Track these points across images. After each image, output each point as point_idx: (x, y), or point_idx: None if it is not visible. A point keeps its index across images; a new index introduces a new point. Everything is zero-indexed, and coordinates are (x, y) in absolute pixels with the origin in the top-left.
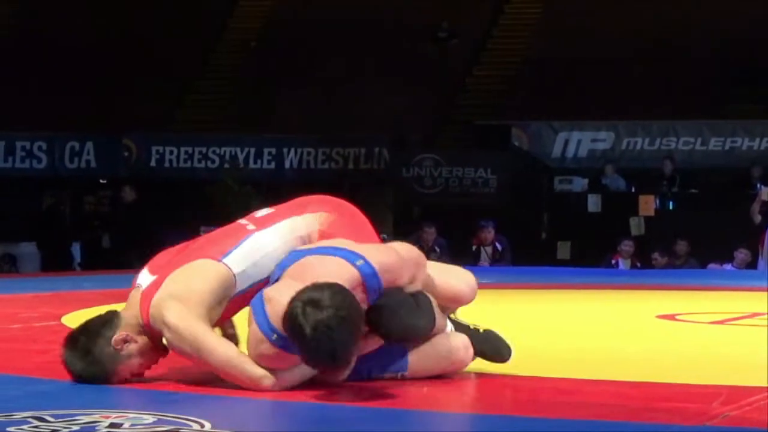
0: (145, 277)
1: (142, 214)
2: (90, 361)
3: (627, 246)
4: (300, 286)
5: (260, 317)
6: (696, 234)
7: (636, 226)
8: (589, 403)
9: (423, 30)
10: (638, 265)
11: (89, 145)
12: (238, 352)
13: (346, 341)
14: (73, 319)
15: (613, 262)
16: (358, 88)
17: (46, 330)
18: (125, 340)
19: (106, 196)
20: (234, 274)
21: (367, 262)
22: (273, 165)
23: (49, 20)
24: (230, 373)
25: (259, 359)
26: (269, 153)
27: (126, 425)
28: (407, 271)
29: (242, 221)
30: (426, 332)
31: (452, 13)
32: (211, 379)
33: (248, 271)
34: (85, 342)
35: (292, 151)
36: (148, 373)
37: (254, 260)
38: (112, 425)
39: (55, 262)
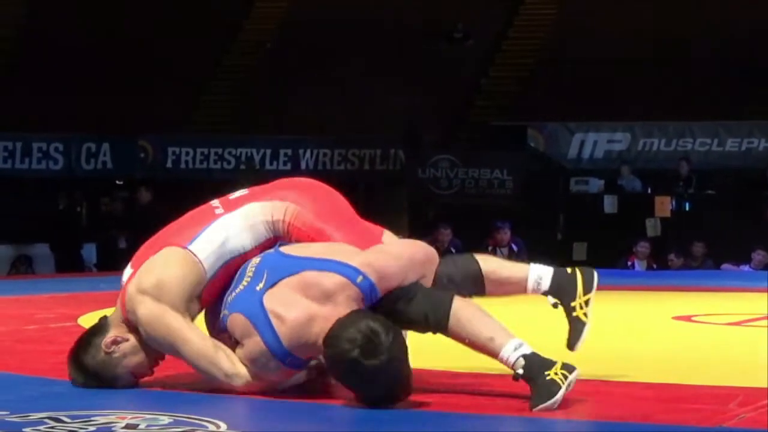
0: (126, 272)
1: (158, 215)
2: (88, 374)
3: (643, 247)
4: (305, 302)
5: (269, 335)
6: (712, 235)
7: (652, 227)
8: (605, 404)
9: (438, 31)
10: (654, 266)
11: (105, 146)
12: (214, 344)
13: (405, 383)
14: (90, 320)
15: (629, 263)
16: (374, 89)
17: (63, 331)
18: (114, 342)
19: (122, 197)
20: (200, 260)
21: (366, 279)
22: (289, 166)
23: (65, 21)
24: (202, 367)
25: (260, 373)
26: (285, 154)
27: (142, 426)
28: (412, 274)
29: (214, 203)
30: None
31: (467, 13)
32: None
33: (213, 256)
34: (80, 355)
35: (308, 152)
36: (163, 375)
37: (219, 243)
38: (128, 426)
39: (69, 264)
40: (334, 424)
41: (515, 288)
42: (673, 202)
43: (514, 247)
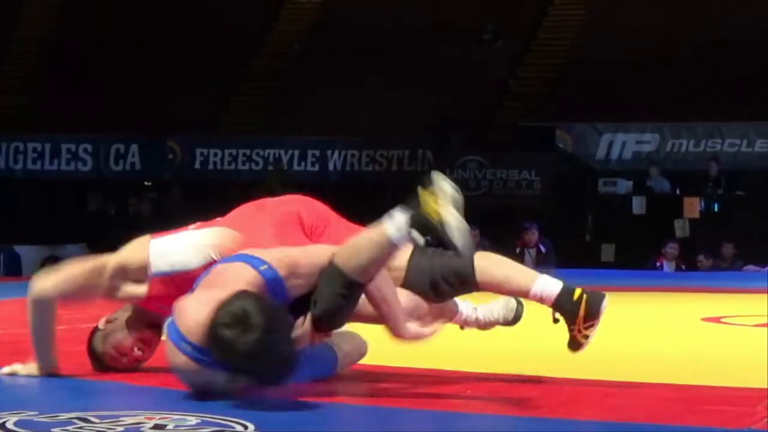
0: None
1: (186, 216)
2: (89, 352)
3: (672, 248)
4: (208, 295)
5: (171, 328)
6: (742, 236)
7: (681, 228)
8: (633, 405)
9: (467, 32)
10: (683, 267)
11: (134, 147)
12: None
13: (286, 356)
14: None
15: (658, 264)
16: (402, 90)
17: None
18: (108, 320)
19: (150, 197)
20: (149, 254)
21: (271, 269)
22: (317, 167)
23: (94, 23)
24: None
25: (175, 372)
26: (313, 155)
27: (170, 426)
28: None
29: (199, 223)
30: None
31: (496, 14)
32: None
33: (160, 258)
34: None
35: (336, 153)
36: None
37: (165, 250)
38: (156, 426)
39: None
40: (356, 425)
41: (514, 291)
42: (702, 203)
43: (542, 248)
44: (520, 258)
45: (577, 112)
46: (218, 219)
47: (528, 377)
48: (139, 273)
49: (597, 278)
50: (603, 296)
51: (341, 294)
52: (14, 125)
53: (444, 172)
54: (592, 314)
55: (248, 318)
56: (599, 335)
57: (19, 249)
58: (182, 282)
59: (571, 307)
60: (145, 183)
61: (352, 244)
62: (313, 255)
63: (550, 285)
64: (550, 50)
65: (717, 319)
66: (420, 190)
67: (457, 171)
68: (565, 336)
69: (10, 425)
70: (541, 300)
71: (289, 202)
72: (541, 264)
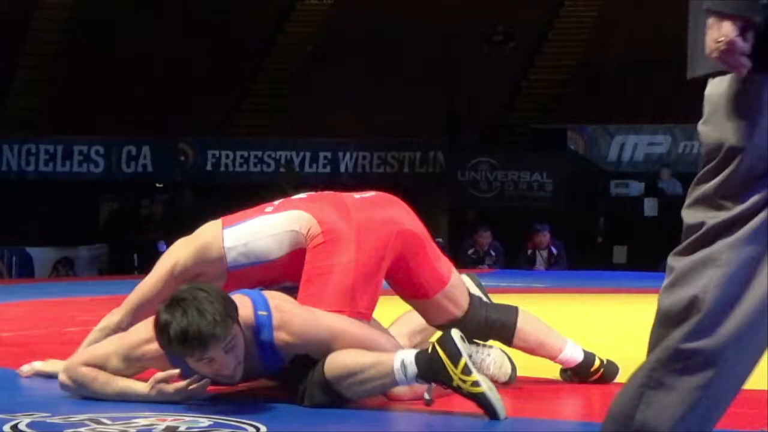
0: None
1: (198, 218)
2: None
3: None
4: None
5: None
6: None
7: None
8: None
9: (479, 33)
10: None
11: (146, 149)
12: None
13: (196, 319)
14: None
15: None
16: (413, 92)
17: None
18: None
19: (162, 200)
20: (224, 246)
21: (268, 315)
22: (328, 169)
23: (106, 25)
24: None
25: (133, 333)
26: (324, 157)
27: (182, 428)
28: (338, 343)
29: (276, 202)
30: None
31: (508, 16)
32: (266, 382)
33: (235, 251)
34: None
35: (348, 155)
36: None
37: (244, 242)
38: (169, 428)
39: (121, 265)
40: (370, 424)
41: (542, 355)
42: None
43: (554, 250)
44: (531, 259)
45: (589, 113)
46: (296, 199)
47: (534, 379)
48: (215, 266)
49: (609, 280)
50: (617, 371)
51: (328, 402)
52: (26, 127)
53: (455, 174)
54: (608, 379)
55: (183, 302)
56: (609, 339)
57: (31, 251)
58: (261, 273)
59: (586, 375)
60: (157, 185)
61: (353, 364)
62: (320, 322)
63: (572, 355)
64: (561, 52)
65: None
66: (440, 351)
67: (469, 173)
68: (582, 339)
69: (22, 426)
70: (565, 365)
71: (395, 213)
72: (552, 266)
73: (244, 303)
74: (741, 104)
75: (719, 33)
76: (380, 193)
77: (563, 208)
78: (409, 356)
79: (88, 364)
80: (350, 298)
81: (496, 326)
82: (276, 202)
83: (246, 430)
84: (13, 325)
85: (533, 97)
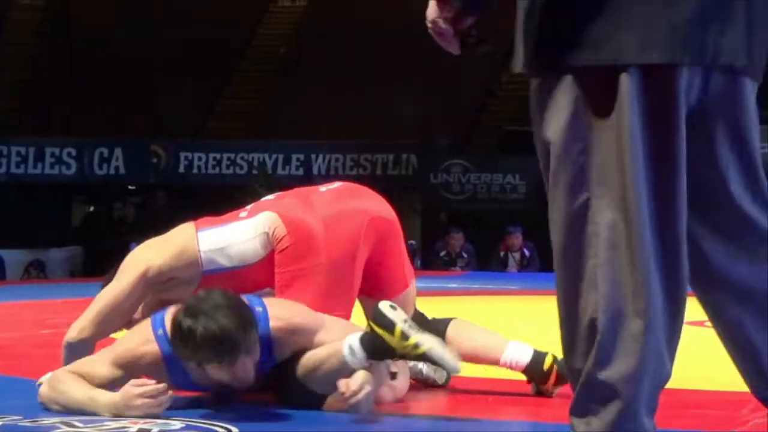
0: None
1: (171, 220)
2: None
3: None
4: None
5: (158, 311)
6: None
7: None
8: None
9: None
10: None
11: (118, 151)
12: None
13: (226, 324)
14: None
15: None
16: (387, 94)
17: None
18: None
19: (134, 202)
20: (200, 250)
21: (265, 310)
22: (301, 171)
23: (79, 26)
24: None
25: (126, 341)
26: (297, 159)
27: (154, 431)
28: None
29: (249, 206)
30: None
31: (481, 18)
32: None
33: (212, 254)
34: None
35: (320, 157)
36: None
37: (222, 246)
38: (141, 431)
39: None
40: (343, 426)
41: (483, 362)
42: None
43: (526, 252)
44: (503, 261)
45: None
46: (265, 201)
47: (518, 381)
48: (189, 270)
49: None
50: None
51: (307, 400)
52: None
53: (428, 177)
54: (564, 380)
55: (203, 306)
56: None
57: (3, 253)
58: (236, 278)
59: (541, 375)
60: (129, 187)
61: (315, 358)
62: (310, 321)
63: (519, 354)
64: None
65: (701, 323)
66: (374, 326)
67: (442, 175)
68: (556, 341)
69: None
70: (511, 368)
71: (363, 204)
72: (525, 267)
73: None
74: (536, 103)
75: (428, 15)
76: (348, 183)
77: (536, 211)
78: (354, 340)
79: (73, 372)
80: (325, 302)
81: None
82: (249, 207)
83: (218, 431)
84: None
85: (507, 100)
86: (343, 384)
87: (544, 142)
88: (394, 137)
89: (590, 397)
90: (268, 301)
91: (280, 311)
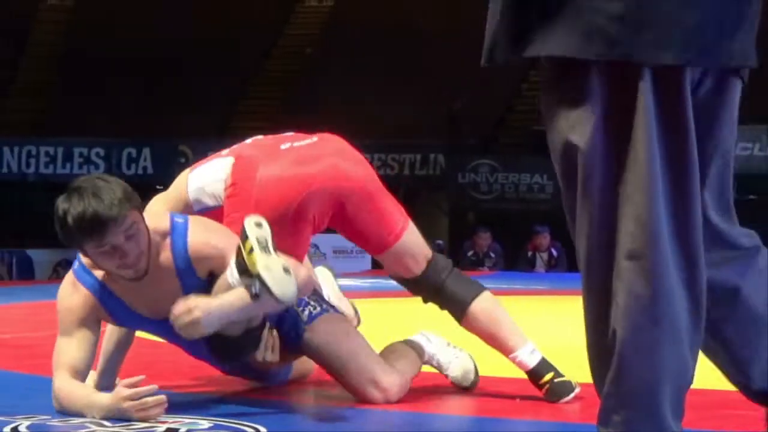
0: None
1: None
2: None
3: None
4: None
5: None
6: None
7: None
8: None
9: (479, 35)
10: None
11: (146, 151)
12: None
13: (93, 201)
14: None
15: None
16: (414, 94)
17: (103, 335)
18: None
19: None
20: (187, 191)
21: (186, 222)
22: None
23: (107, 27)
24: None
25: (60, 303)
26: None
27: (182, 430)
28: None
29: (235, 146)
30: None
31: None
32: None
33: (198, 192)
34: None
35: None
36: (205, 377)
37: (204, 184)
38: (169, 430)
39: None
40: (371, 425)
41: (495, 347)
42: None
43: (554, 252)
44: (531, 261)
45: None
46: (243, 144)
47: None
48: (186, 213)
49: None
50: (571, 390)
51: (242, 338)
52: (27, 129)
53: (456, 176)
54: (550, 399)
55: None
56: None
57: (32, 253)
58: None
59: (536, 384)
60: (157, 187)
61: (219, 283)
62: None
63: (530, 358)
64: None
65: None
66: (240, 244)
67: (469, 175)
68: (581, 341)
69: (22, 429)
70: (515, 364)
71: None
72: (552, 268)
73: (163, 215)
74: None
75: None
76: (325, 140)
77: (563, 210)
78: (231, 261)
79: (63, 370)
80: None
81: (449, 299)
82: (235, 146)
83: (246, 431)
84: (14, 327)
85: (534, 99)
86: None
87: (567, 146)
88: (421, 137)
89: (612, 407)
90: (192, 218)
91: (200, 228)
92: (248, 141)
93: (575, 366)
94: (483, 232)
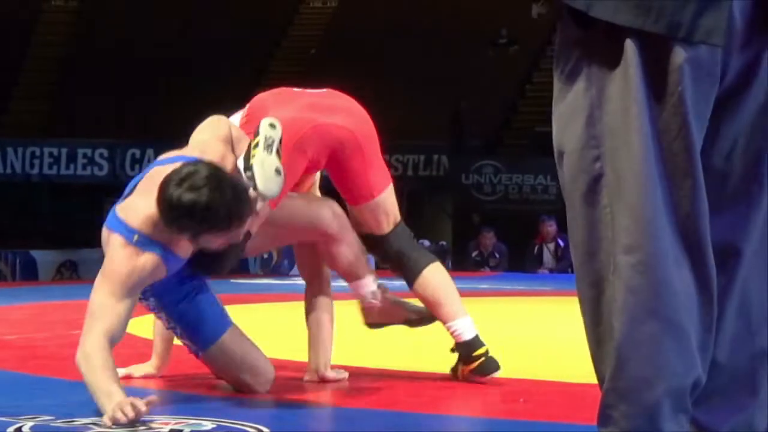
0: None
1: None
2: None
3: None
4: (150, 196)
5: (116, 226)
6: None
7: None
8: None
9: (483, 36)
10: None
11: (150, 152)
12: None
13: (230, 200)
14: (136, 325)
15: None
16: (417, 95)
17: None
18: None
19: None
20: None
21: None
22: None
23: (111, 29)
24: None
25: (116, 267)
26: None
27: (186, 431)
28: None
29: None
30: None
31: (512, 19)
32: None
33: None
34: None
35: None
36: (208, 378)
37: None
38: (172, 431)
39: None
40: (376, 425)
41: (436, 313)
42: None
43: (561, 243)
44: (539, 255)
45: None
46: (262, 96)
47: (535, 381)
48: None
49: None
50: (497, 368)
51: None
52: (31, 130)
53: (459, 177)
54: (479, 373)
55: (195, 176)
56: None
57: (35, 253)
58: None
59: (467, 357)
60: None
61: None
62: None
63: (465, 329)
64: None
65: None
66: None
67: (473, 176)
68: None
69: (26, 429)
70: (451, 334)
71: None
72: (560, 260)
73: (232, 162)
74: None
75: None
76: (331, 94)
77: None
78: (244, 150)
79: (103, 334)
80: None
81: (404, 263)
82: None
83: None
84: (17, 328)
85: (538, 100)
86: None
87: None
88: (425, 138)
89: (611, 403)
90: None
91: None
92: (266, 94)
93: (575, 366)
94: (487, 232)
